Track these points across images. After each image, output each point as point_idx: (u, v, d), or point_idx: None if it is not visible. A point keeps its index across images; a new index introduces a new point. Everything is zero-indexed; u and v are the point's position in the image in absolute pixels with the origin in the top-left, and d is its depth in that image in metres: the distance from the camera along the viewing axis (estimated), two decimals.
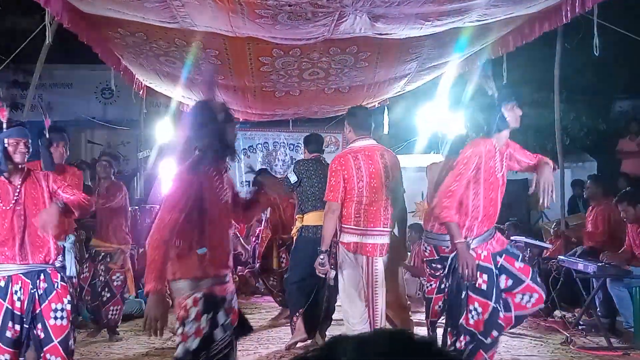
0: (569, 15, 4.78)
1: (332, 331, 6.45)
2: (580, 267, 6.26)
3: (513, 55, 6.39)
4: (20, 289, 3.79)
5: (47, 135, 4.81)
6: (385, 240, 4.70)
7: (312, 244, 5.83)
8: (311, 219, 5.88)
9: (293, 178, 6.08)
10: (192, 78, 6.96)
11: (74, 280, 4.56)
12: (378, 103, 8.96)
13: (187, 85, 7.29)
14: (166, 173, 7.66)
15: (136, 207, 9.74)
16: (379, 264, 4.66)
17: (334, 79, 6.98)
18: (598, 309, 6.46)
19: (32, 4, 4.39)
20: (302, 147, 10.86)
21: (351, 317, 4.72)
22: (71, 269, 4.38)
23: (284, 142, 11.59)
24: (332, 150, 11.78)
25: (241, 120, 9.57)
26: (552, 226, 8.45)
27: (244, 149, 11.24)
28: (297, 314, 5.82)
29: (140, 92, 7.77)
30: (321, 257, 4.75)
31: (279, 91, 7.43)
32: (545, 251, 7.82)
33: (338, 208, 4.68)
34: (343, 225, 4.69)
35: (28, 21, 9.16)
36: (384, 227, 4.67)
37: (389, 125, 9.50)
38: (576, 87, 10.78)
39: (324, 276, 5.21)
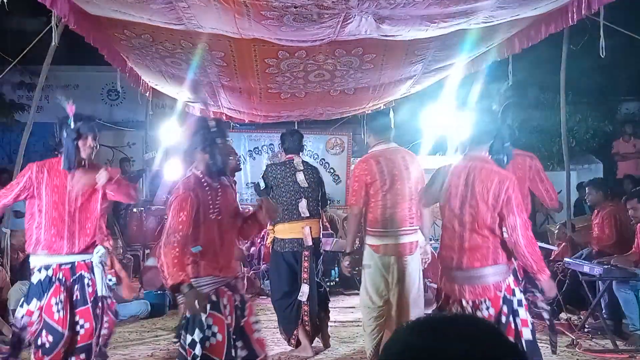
0: (575, 17, 4.76)
1: (336, 333, 6.45)
2: (586, 269, 6.24)
3: (519, 57, 6.39)
4: (227, 302, 3.56)
5: (73, 125, 4.04)
6: (413, 238, 4.76)
7: (283, 259, 5.76)
8: (282, 231, 5.74)
9: (262, 184, 5.90)
10: (197, 80, 6.97)
11: (109, 301, 4.22)
12: (383, 105, 8.95)
13: (192, 86, 7.30)
14: (172, 174, 7.68)
15: (142, 209, 9.77)
16: (409, 262, 4.72)
17: (339, 81, 6.98)
18: (604, 312, 6.43)
19: (38, 5, 4.40)
20: (306, 149, 10.74)
21: (365, 317, 4.82)
22: (102, 288, 4.09)
23: None
24: (338, 152, 11.76)
25: (247, 121, 9.59)
26: (557, 228, 8.43)
27: (249, 150, 11.25)
28: (294, 334, 5.73)
29: (147, 94, 7.79)
30: (346, 260, 4.81)
31: (284, 93, 7.44)
32: (551, 253, 7.80)
33: (360, 212, 4.74)
34: (370, 229, 4.74)
35: (35, 23, 9.22)
36: (410, 226, 4.73)
37: (394, 127, 9.49)
38: (582, 89, 10.77)
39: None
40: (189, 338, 3.39)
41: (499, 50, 6.24)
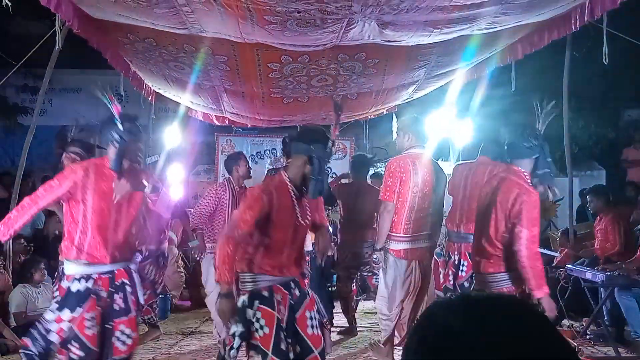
0: (578, 23, 4.77)
1: (336, 337, 6.44)
2: (589, 276, 6.23)
3: (522, 63, 6.38)
4: (281, 299, 3.56)
5: (121, 126, 3.75)
6: (430, 242, 4.91)
7: None
8: None
9: None
10: (200, 84, 6.98)
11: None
12: (386, 110, 8.96)
13: (195, 90, 7.31)
14: (174, 178, 7.67)
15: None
16: (429, 266, 4.88)
17: (342, 86, 6.98)
18: (606, 318, 6.42)
19: (43, 9, 4.42)
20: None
21: (382, 316, 4.91)
22: (141, 296, 4.02)
23: None
24: (340, 157, 11.74)
25: (249, 126, 9.59)
26: (558, 234, 8.41)
27: (252, 155, 11.24)
28: None
29: (149, 98, 7.80)
30: (375, 255, 4.86)
31: (287, 97, 7.44)
32: (553, 260, 7.78)
33: (393, 208, 4.77)
34: (392, 234, 4.75)
35: (39, 26, 9.21)
36: (429, 231, 4.85)
37: (397, 132, 9.49)
38: (585, 95, 10.73)
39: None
40: (232, 328, 3.51)
41: (501, 56, 6.24)
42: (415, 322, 0.96)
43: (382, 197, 4.82)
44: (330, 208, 10.82)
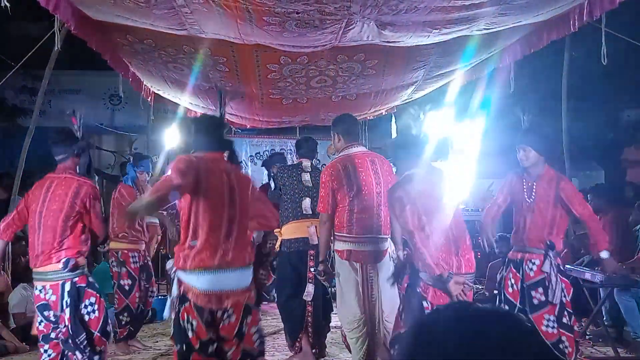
0: (576, 24, 4.77)
1: (337, 338, 6.44)
2: (588, 276, 6.22)
3: (521, 64, 6.38)
4: None
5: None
6: (380, 247, 4.62)
7: (289, 260, 5.67)
8: (287, 232, 5.68)
9: (272, 185, 5.94)
10: (199, 85, 6.98)
11: None
12: (385, 111, 8.97)
13: (194, 91, 7.31)
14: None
15: None
16: (374, 270, 4.59)
17: (341, 87, 6.98)
18: (605, 319, 6.42)
19: (42, 10, 4.42)
20: None
21: (345, 323, 4.69)
22: None
23: (290, 149, 11.55)
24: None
25: (248, 127, 9.60)
26: None
27: (250, 155, 11.24)
28: (299, 338, 5.66)
29: (149, 99, 7.80)
30: (320, 267, 4.75)
31: (286, 98, 7.44)
32: None
33: (329, 219, 4.65)
34: (336, 233, 4.64)
35: (37, 27, 9.23)
36: (377, 234, 4.59)
37: (396, 133, 9.50)
38: (584, 95, 10.74)
39: (326, 285, 5.22)
40: None
41: (500, 56, 6.25)
42: (412, 326, 0.99)
43: (318, 208, 4.74)
44: None
